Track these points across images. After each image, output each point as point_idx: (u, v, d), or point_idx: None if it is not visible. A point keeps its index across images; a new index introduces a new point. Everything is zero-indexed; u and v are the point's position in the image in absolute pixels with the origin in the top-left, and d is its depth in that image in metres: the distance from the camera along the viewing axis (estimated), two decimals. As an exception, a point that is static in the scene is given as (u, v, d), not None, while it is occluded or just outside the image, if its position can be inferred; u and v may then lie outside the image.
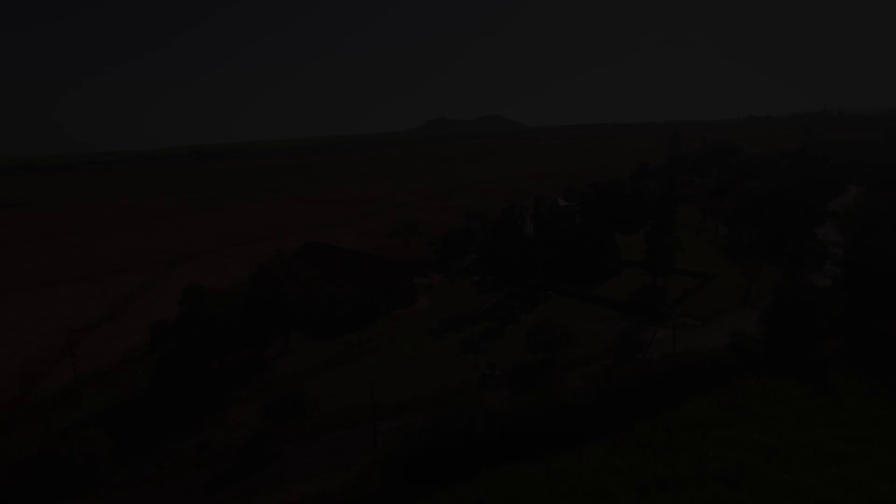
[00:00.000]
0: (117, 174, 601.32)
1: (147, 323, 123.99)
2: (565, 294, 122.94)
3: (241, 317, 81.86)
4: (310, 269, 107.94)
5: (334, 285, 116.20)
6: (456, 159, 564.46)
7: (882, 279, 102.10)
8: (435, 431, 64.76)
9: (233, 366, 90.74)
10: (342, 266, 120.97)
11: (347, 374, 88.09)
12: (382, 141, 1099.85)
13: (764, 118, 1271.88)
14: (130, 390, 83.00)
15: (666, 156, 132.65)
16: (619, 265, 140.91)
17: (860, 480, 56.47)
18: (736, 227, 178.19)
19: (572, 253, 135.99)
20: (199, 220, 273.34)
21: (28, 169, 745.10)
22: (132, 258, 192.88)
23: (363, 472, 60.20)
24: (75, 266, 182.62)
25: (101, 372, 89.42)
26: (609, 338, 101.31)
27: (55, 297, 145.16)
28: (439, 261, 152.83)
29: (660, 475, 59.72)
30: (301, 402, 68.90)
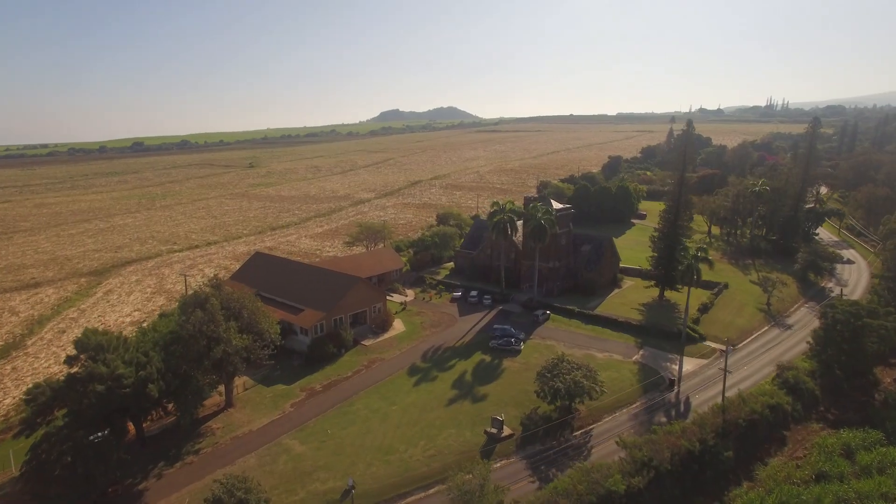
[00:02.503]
0: (45, 168, 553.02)
1: (53, 359, 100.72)
2: (565, 313, 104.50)
3: (162, 371, 59.97)
4: (258, 295, 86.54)
5: (289, 309, 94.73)
6: (412, 152, 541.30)
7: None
8: (441, 549, 45.09)
9: (155, 432, 68.56)
10: (299, 284, 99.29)
11: (308, 438, 67.11)
12: (336, 133, 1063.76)
13: (714, 111, 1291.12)
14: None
15: (680, 151, 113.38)
16: (617, 275, 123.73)
17: None
18: (733, 228, 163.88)
19: (568, 263, 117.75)
20: (136, 220, 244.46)
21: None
22: (51, 268, 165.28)
23: None
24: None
25: (-35, 448, 65.91)
26: (630, 372, 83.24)
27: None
28: (411, 271, 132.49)
29: None
30: (245, 505, 48.01)
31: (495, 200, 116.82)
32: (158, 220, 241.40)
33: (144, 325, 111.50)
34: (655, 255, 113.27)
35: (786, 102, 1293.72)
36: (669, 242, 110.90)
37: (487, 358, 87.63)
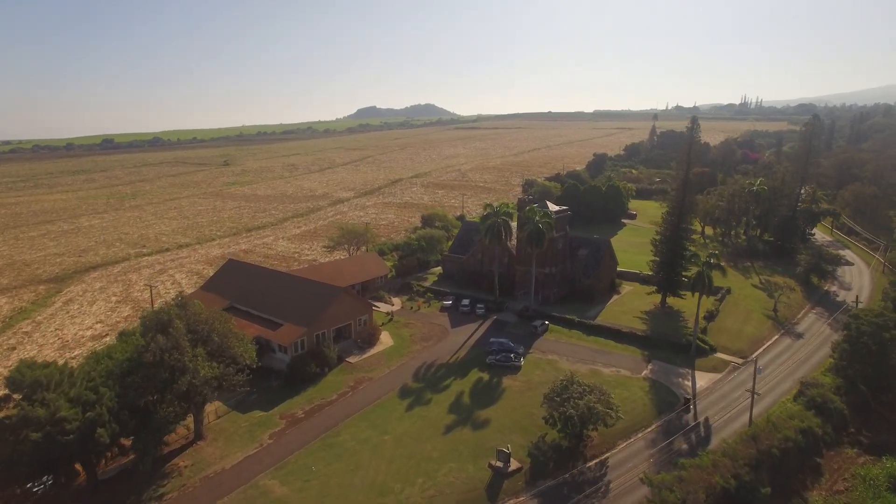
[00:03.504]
0: (7, 166, 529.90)
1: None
2: (565, 323, 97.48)
3: (116, 410, 51.34)
4: (231, 307, 78.33)
5: (266, 323, 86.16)
6: (391, 150, 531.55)
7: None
8: None
9: (111, 473, 59.60)
10: (276, 296, 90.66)
11: (290, 478, 58.93)
12: (313, 131, 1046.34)
13: (690, 108, 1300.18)
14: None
15: (684, 149, 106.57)
16: (615, 280, 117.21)
17: None
18: (727, 229, 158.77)
19: (564, 268, 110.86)
20: (103, 221, 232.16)
21: None
22: (6, 274, 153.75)
23: None
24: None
25: None
26: (641, 390, 76.49)
27: None
28: (397, 278, 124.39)
29: None
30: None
31: (488, 202, 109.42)
32: (127, 222, 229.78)
33: (106, 339, 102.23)
34: (657, 259, 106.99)
35: (759, 100, 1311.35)
36: (672, 246, 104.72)
37: (485, 376, 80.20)
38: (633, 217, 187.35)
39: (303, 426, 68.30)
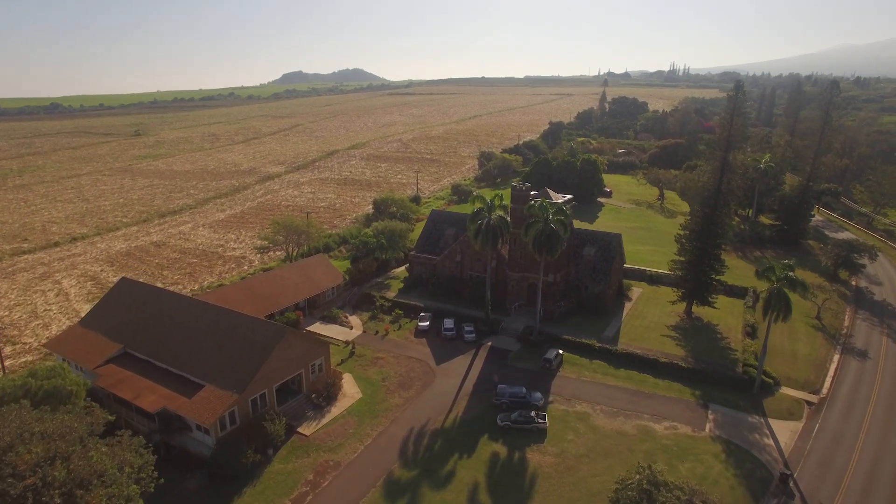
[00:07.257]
0: None
1: None
2: (583, 350, 75.00)
3: None
4: (124, 354, 51.95)
5: (177, 384, 58.98)
6: (322, 117, 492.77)
7: None
8: None
9: None
10: (191, 338, 63.00)
11: None
12: (235, 97, 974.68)
13: (621, 74, 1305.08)
14: None
15: (724, 124, 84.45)
16: (622, 283, 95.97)
17: None
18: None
19: (567, 273, 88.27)
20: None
21: None
22: None
23: None
24: None
25: None
26: (716, 459, 55.32)
27: None
28: (351, 285, 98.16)
29: None
30: None
31: (477, 194, 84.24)
32: (7, 206, 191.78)
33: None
34: (682, 259, 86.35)
35: (687, 68, 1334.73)
36: (702, 244, 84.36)
37: (501, 449, 56.66)
38: (608, 195, 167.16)
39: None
